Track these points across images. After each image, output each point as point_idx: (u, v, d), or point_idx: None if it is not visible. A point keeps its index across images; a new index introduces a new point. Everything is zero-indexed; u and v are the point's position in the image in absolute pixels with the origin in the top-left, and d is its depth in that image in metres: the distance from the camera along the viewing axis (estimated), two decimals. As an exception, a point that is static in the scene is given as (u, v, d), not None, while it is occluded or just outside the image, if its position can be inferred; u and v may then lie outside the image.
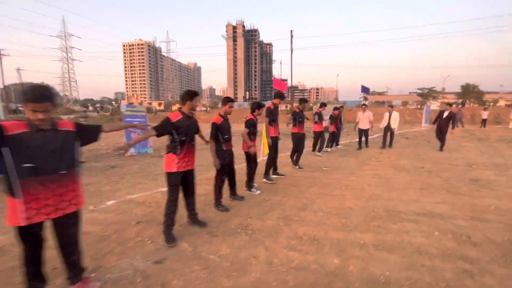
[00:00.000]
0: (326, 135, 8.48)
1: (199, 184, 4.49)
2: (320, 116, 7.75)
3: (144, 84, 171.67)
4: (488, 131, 15.22)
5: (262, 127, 5.30)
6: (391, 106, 10.19)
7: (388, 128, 9.44)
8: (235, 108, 4.25)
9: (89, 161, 7.11)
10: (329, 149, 8.88)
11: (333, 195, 4.20)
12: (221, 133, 3.59)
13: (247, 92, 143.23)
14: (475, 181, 4.88)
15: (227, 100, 3.65)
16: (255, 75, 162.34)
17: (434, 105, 48.47)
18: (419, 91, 54.11)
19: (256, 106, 4.40)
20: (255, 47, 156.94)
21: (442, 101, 51.43)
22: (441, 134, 8.85)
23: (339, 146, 9.98)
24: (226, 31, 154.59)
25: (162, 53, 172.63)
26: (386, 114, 9.88)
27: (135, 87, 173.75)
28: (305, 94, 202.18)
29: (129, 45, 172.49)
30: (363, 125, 9.64)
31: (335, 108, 9.77)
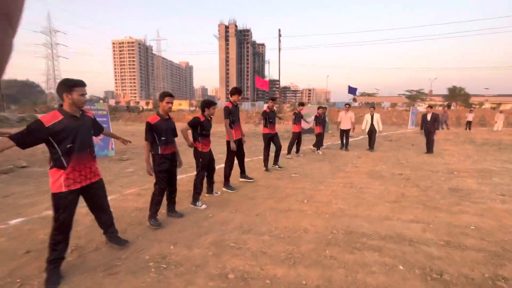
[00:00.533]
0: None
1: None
2: (297, 116, 7.31)
3: (135, 82, 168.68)
4: (473, 133, 15.01)
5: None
6: (373, 107, 9.75)
7: (372, 130, 9.00)
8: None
9: (34, 166, 6.27)
10: (320, 152, 8.38)
11: (291, 210, 3.55)
12: (157, 134, 3.01)
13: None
14: (456, 191, 4.34)
15: (164, 95, 3.10)
16: (248, 75, 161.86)
17: (422, 107, 49.10)
18: (408, 93, 54.71)
19: (206, 105, 3.73)
20: (247, 47, 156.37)
21: (428, 103, 52.05)
22: (429, 136, 8.48)
23: (321, 148, 9.55)
24: (219, 31, 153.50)
25: (153, 52, 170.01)
26: (367, 116, 9.40)
27: (125, 86, 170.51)
28: (297, 95, 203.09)
29: (119, 43, 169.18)
30: (345, 125, 9.24)
31: (319, 108, 9.23)
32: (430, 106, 8.81)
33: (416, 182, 4.87)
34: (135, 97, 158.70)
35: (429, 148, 8.46)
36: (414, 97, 52.48)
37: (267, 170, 5.69)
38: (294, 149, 7.56)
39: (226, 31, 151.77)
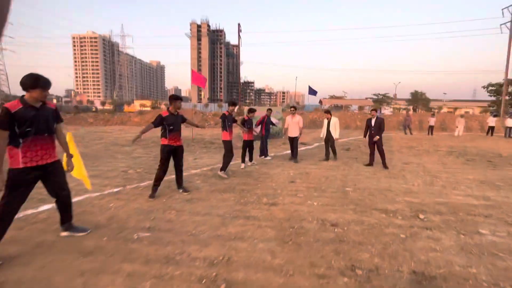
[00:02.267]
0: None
1: None
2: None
3: (98, 81, 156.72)
4: (435, 139, 13.82)
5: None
6: (328, 112, 7.81)
7: (328, 138, 7.52)
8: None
9: None
10: (247, 164, 6.83)
11: None
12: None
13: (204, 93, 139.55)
14: (419, 273, 2.16)
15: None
16: (221, 76, 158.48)
17: (388, 111, 49.96)
18: (375, 97, 55.71)
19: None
20: (221, 48, 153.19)
21: (394, 107, 53.36)
22: (374, 147, 6.68)
23: (267, 158, 7.82)
24: (191, 30, 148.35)
25: (120, 49, 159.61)
26: (325, 122, 7.69)
27: (87, 84, 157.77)
28: (272, 97, 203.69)
29: (80, 38, 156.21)
30: (292, 132, 7.52)
31: (251, 110, 7.00)
32: (375, 110, 7.06)
33: (352, 256, 2.59)
34: (99, 96, 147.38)
35: (383, 163, 6.71)
36: (381, 100, 53.56)
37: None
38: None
39: (199, 30, 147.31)
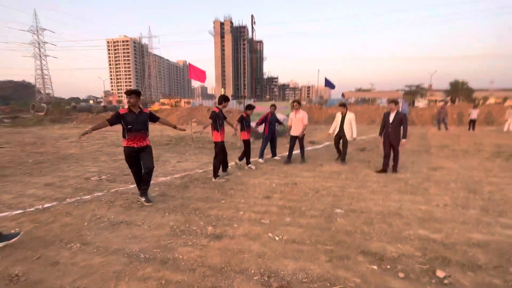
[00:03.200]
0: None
1: None
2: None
3: (130, 81, 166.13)
4: (478, 136, 11.44)
5: None
6: (343, 105, 6.54)
7: (340, 136, 6.40)
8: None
9: None
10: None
11: None
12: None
13: (224, 89, 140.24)
14: None
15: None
16: (245, 73, 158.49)
17: (422, 103, 45.29)
18: (407, 89, 50.94)
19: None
20: (244, 44, 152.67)
21: (430, 99, 48.29)
22: (390, 148, 5.33)
23: (276, 158, 7.04)
24: (214, 28, 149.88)
25: (149, 50, 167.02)
26: (338, 116, 6.47)
27: (120, 85, 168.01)
28: (297, 92, 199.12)
29: (114, 42, 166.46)
30: (295, 130, 6.55)
31: (249, 107, 6.14)
32: (394, 101, 5.50)
33: None
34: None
35: (394, 166, 5.45)
36: (414, 92, 48.72)
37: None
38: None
39: (222, 28, 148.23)
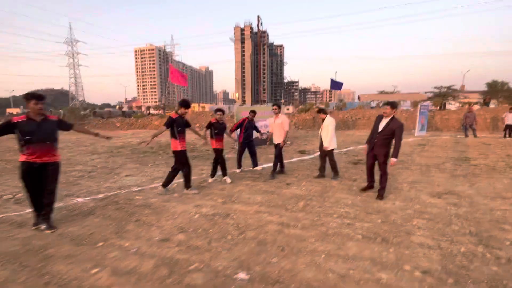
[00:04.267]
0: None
1: None
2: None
3: (155, 88, 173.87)
4: (515, 145, 9.27)
5: None
6: (321, 111, 5.42)
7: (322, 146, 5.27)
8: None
9: None
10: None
11: None
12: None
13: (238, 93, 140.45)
14: None
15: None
16: (264, 77, 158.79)
17: (454, 106, 41.02)
18: (437, 90, 46.72)
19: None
20: (264, 49, 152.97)
21: (463, 101, 43.74)
22: (374, 162, 4.22)
23: (257, 168, 6.22)
24: (234, 34, 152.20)
25: (174, 58, 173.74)
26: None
27: (146, 92, 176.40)
28: (318, 96, 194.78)
29: (141, 51, 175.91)
30: (277, 138, 5.63)
31: (218, 110, 5.31)
32: (390, 104, 4.08)
33: None
34: (155, 101, 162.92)
35: (379, 191, 4.11)
36: (444, 94, 44.38)
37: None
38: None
39: (242, 34, 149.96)
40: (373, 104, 49.13)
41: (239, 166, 6.03)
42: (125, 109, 65.10)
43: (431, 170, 5.76)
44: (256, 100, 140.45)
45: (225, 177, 5.17)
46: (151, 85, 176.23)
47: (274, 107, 5.71)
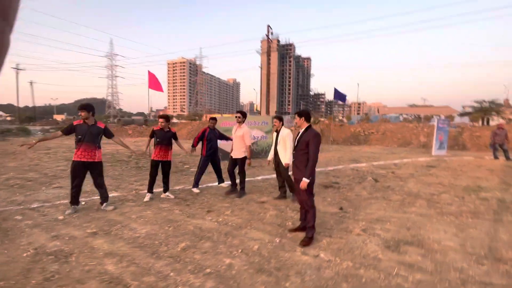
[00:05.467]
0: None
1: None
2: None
3: (184, 98, 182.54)
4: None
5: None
6: (278, 118, 4.55)
7: (278, 162, 4.47)
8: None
9: None
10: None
11: None
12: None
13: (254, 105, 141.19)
14: None
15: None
16: (289, 90, 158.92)
17: (495, 122, 36.21)
18: (477, 105, 41.94)
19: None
20: (290, 62, 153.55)
21: (509, 117, 38.55)
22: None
23: (222, 185, 5.47)
24: (261, 47, 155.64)
25: (203, 70, 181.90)
26: (274, 135, 4.59)
27: (176, 102, 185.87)
28: (346, 109, 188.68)
29: (173, 63, 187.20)
30: (235, 150, 4.84)
31: (161, 117, 4.67)
32: (300, 114, 3.23)
33: None
34: (184, 111, 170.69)
35: (306, 235, 3.06)
36: (486, 110, 39.48)
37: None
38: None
39: (268, 47, 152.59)
40: (401, 118, 45.43)
41: (197, 185, 5.09)
42: (151, 117, 68.60)
43: (414, 204, 4.33)
44: (280, 112, 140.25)
45: (166, 193, 4.63)
46: (181, 95, 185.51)
47: (237, 115, 4.86)
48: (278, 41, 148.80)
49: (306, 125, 3.04)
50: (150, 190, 4.50)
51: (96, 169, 3.80)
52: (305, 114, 3.05)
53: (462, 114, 43.21)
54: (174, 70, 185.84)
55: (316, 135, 2.91)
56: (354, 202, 4.40)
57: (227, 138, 5.50)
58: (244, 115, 4.90)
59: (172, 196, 4.60)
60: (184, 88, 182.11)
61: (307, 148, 2.90)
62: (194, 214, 3.76)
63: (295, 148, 3.05)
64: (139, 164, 8.02)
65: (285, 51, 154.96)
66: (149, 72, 9.38)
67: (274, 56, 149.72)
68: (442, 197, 4.69)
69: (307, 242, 2.87)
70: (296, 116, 3.08)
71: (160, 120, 4.55)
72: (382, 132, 17.22)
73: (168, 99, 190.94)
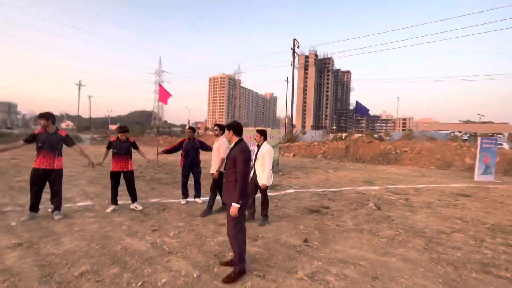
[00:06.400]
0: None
1: None
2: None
3: (223, 111, 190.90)
4: None
5: None
6: (260, 133, 4.15)
7: (255, 180, 3.98)
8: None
9: None
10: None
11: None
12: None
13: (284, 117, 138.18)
14: None
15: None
16: (327, 104, 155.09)
17: None
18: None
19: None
20: (328, 75, 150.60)
21: None
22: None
23: (197, 200, 5.27)
24: (298, 61, 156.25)
25: (242, 85, 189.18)
26: (255, 150, 4.05)
27: (215, 114, 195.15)
28: (389, 124, 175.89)
29: (214, 78, 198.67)
30: (213, 165, 4.53)
31: (119, 129, 4.72)
32: (227, 127, 3.36)
33: None
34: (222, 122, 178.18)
35: (233, 270, 2.45)
36: None
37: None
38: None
39: (306, 61, 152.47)
40: (453, 135, 40.34)
41: (185, 196, 5.07)
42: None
43: (407, 243, 3.40)
44: (317, 126, 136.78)
45: (134, 204, 4.55)
46: (220, 108, 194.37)
47: (215, 128, 4.70)
48: (316, 55, 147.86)
49: (236, 139, 2.59)
50: (113, 201, 4.41)
51: (54, 177, 3.81)
52: (233, 127, 2.61)
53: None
54: (214, 85, 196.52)
55: (243, 150, 2.44)
56: (329, 233, 3.66)
57: (208, 149, 5.28)
58: (220, 127, 4.65)
59: (139, 208, 4.48)
60: (223, 102, 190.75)
61: (235, 167, 2.44)
62: (136, 232, 3.48)
63: (225, 166, 2.59)
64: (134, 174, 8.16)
65: (323, 65, 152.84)
66: (159, 85, 9.76)
67: (312, 71, 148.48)
68: (452, 237, 3.64)
69: (231, 278, 2.36)
70: (226, 129, 2.66)
71: (119, 130, 4.47)
72: (417, 151, 15.22)
73: (208, 112, 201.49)
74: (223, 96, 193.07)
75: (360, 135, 36.11)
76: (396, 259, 2.94)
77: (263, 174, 3.81)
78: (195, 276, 2.45)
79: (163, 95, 9.64)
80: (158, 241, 3.19)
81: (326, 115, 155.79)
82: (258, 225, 3.91)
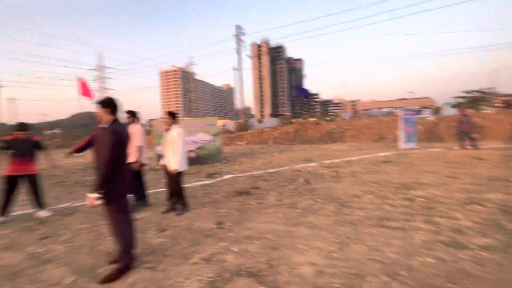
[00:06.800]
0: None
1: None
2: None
3: (179, 106, 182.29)
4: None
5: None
6: (170, 115, 3.82)
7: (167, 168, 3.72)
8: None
9: None
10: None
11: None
12: None
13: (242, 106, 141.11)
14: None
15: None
16: (283, 92, 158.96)
17: (486, 111, 35.52)
18: (466, 95, 41.29)
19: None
20: (281, 64, 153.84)
21: (499, 105, 38.01)
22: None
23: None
24: (251, 51, 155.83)
25: (196, 78, 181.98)
26: (164, 135, 3.73)
27: (171, 110, 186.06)
28: (340, 107, 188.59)
29: (166, 72, 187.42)
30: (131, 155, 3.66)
31: (21, 127, 3.99)
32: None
33: None
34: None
35: (118, 267, 2.13)
36: (476, 99, 38.66)
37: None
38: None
39: (259, 50, 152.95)
40: (426, 115, 44.73)
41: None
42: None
43: (320, 210, 3.50)
44: (275, 114, 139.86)
45: (41, 212, 3.93)
46: (175, 103, 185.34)
47: (128, 117, 4.16)
48: (268, 44, 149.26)
49: (111, 118, 2.22)
50: (2, 213, 3.69)
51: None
52: (109, 103, 2.23)
53: (453, 106, 42.65)
54: (167, 78, 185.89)
55: (113, 132, 2.09)
56: (246, 213, 3.58)
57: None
58: (133, 114, 4.21)
59: (45, 215, 3.85)
60: (178, 96, 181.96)
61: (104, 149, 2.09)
62: (20, 243, 2.93)
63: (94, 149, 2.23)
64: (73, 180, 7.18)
65: (276, 53, 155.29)
66: (78, 79, 8.59)
67: (265, 60, 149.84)
68: (363, 200, 3.87)
69: (112, 276, 2.06)
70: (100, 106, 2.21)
71: (19, 129, 3.82)
72: (358, 128, 16.46)
73: (163, 107, 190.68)
74: (177, 90, 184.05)
75: (313, 119, 37.90)
76: (304, 228, 2.97)
77: (173, 158, 3.52)
78: (68, 282, 2.09)
79: (85, 89, 8.52)
80: (40, 250, 2.71)
81: (284, 103, 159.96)
82: (175, 214, 3.65)
